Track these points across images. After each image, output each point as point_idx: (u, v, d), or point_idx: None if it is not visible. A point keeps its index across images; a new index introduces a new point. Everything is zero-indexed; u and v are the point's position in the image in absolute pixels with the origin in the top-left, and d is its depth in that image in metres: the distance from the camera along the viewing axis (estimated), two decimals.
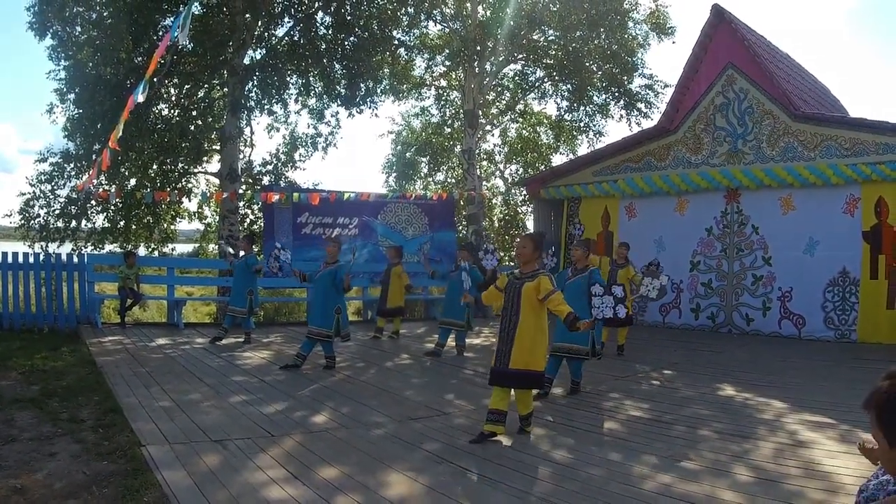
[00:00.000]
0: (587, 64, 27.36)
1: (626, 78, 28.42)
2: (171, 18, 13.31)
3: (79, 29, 23.27)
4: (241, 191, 24.67)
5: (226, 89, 25.08)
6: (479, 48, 25.92)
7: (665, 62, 75.72)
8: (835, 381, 11.97)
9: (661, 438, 8.26)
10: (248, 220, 27.62)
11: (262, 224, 24.61)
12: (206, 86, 25.95)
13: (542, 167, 34.32)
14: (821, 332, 17.78)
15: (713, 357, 15.10)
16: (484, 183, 35.78)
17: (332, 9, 24.51)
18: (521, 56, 28.80)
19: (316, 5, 24.73)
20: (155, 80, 21.13)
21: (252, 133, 27.75)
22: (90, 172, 18.03)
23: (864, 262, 17.31)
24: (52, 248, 23.10)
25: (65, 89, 23.41)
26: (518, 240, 9.08)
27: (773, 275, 18.88)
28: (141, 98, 13.62)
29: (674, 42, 44.21)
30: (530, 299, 8.20)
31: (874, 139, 17.18)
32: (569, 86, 29.68)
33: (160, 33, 22.07)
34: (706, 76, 20.53)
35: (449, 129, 36.20)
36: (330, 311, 12.86)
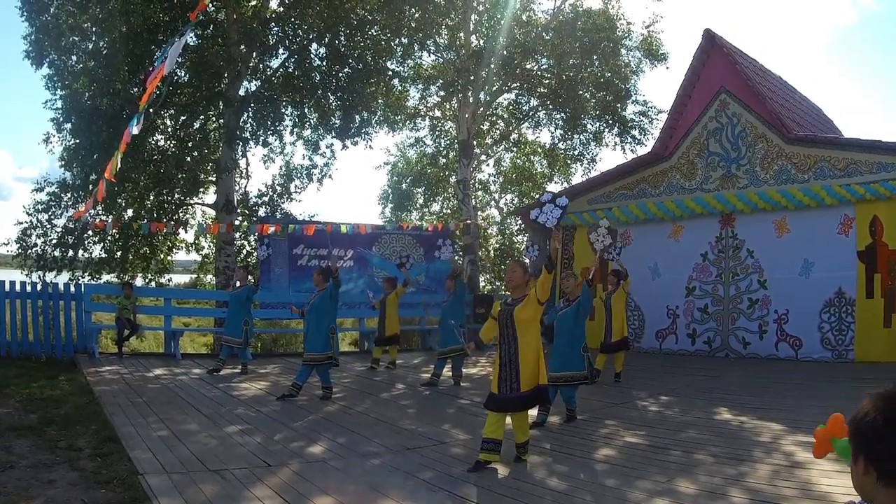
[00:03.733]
0: (581, 92, 27.47)
1: (619, 105, 28.61)
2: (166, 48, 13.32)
3: (75, 58, 23.48)
4: (237, 222, 24.69)
5: (221, 120, 25.21)
6: (472, 78, 26.04)
7: (659, 89, 76.00)
8: (831, 401, 11.90)
9: (657, 464, 8.25)
10: (244, 252, 27.67)
11: (258, 256, 24.70)
12: (201, 117, 26.01)
13: (537, 196, 34.35)
14: (818, 352, 17.75)
15: (710, 382, 15.09)
16: (479, 213, 35.88)
17: (327, 40, 24.69)
18: (514, 85, 28.95)
19: (310, 37, 24.87)
20: (150, 110, 21.23)
21: (248, 164, 27.89)
22: (86, 202, 18.07)
23: (860, 281, 17.31)
24: (50, 277, 23.15)
25: (61, 119, 23.56)
26: (508, 265, 9.14)
27: (769, 298, 18.89)
28: (136, 130, 13.67)
29: (667, 68, 44.40)
30: (524, 321, 8.29)
31: (867, 158, 17.29)
32: (563, 114, 29.82)
33: (156, 64, 22.24)
34: (699, 101, 20.65)
35: (444, 160, 36.38)
36: (325, 335, 12.88)
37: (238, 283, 16.76)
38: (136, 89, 22.07)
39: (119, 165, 14.69)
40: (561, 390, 11.06)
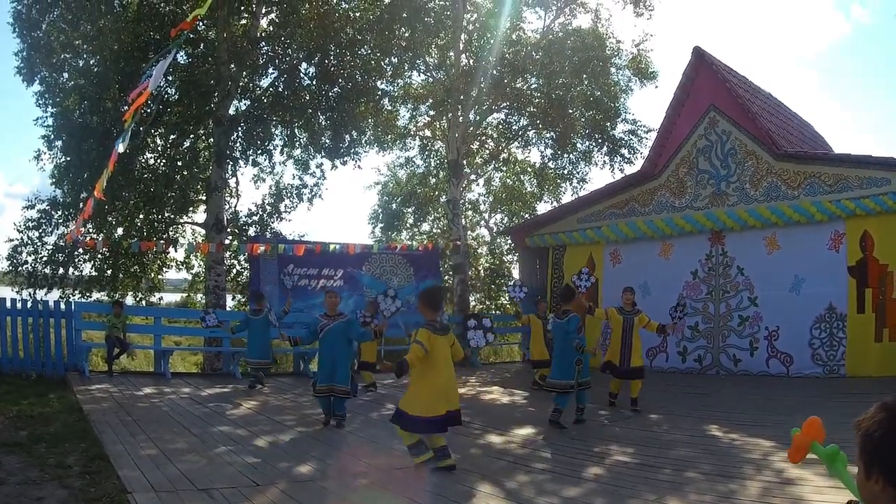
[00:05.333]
0: (570, 111, 27.48)
1: (609, 124, 28.78)
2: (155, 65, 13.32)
3: (66, 76, 23.48)
4: (227, 241, 24.68)
5: (211, 140, 25.22)
6: (462, 97, 26.10)
7: (648, 107, 76.33)
8: (823, 417, 11.89)
9: (647, 482, 8.23)
10: (234, 271, 27.68)
11: (247, 275, 24.70)
12: (191, 136, 26.05)
13: (527, 216, 34.45)
14: (809, 368, 17.76)
15: (700, 399, 15.11)
16: (469, 232, 35.94)
17: (316, 60, 24.78)
18: (504, 104, 28.97)
19: (300, 56, 24.94)
20: (141, 129, 21.24)
21: (238, 183, 27.87)
22: (76, 221, 18.08)
23: (851, 296, 17.35)
24: (40, 294, 23.09)
25: (52, 136, 23.56)
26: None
27: (760, 315, 18.93)
28: (121, 148, 13.66)
29: (656, 86, 44.44)
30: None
31: (857, 174, 17.37)
32: (552, 133, 29.85)
33: (142, 80, 22.27)
34: (688, 119, 20.75)
35: (434, 180, 36.40)
36: (346, 367, 12.51)
37: (256, 307, 17.08)
38: (125, 107, 22.13)
39: (106, 184, 14.69)
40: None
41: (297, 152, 27.87)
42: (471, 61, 27.51)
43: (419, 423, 8.76)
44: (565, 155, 31.58)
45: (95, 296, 24.93)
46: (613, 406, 14.21)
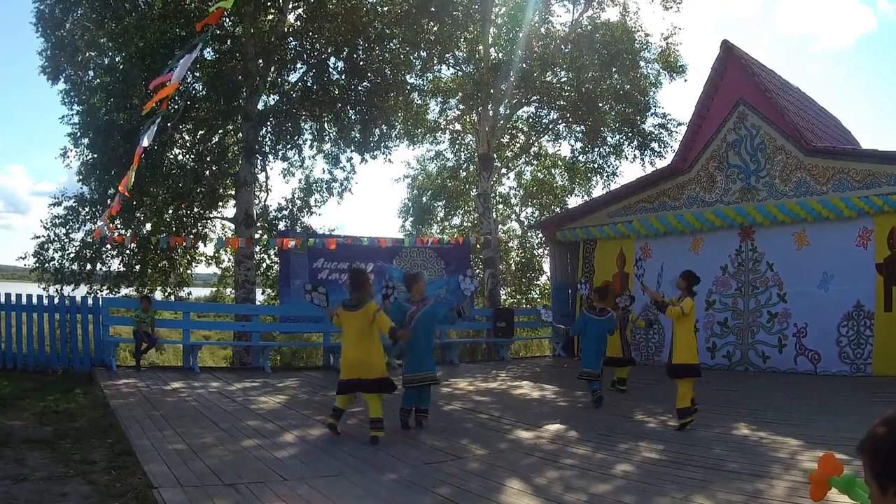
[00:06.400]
0: (600, 104, 27.43)
1: (639, 118, 28.53)
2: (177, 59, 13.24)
3: (91, 73, 23.53)
4: (257, 236, 24.69)
5: (240, 135, 25.24)
6: (492, 91, 26.00)
7: (678, 101, 76.10)
8: (849, 417, 11.80)
9: (675, 479, 8.13)
10: (263, 265, 27.70)
11: (277, 270, 24.69)
12: (220, 131, 26.01)
13: (558, 209, 34.36)
14: (836, 367, 17.55)
15: (728, 396, 14.92)
16: (500, 226, 35.82)
17: (345, 54, 24.69)
18: (534, 98, 28.89)
19: (328, 51, 24.87)
20: (168, 125, 21.26)
21: (267, 178, 27.84)
22: (103, 218, 18.08)
23: (879, 294, 17.08)
24: (67, 290, 23.15)
25: (78, 134, 23.58)
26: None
27: (789, 311, 18.74)
28: (146, 142, 13.63)
29: (685, 80, 44.32)
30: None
31: (885, 170, 17.15)
32: (582, 127, 29.79)
33: (165, 72, 22.29)
34: (718, 113, 20.57)
35: (464, 173, 36.37)
36: (431, 353, 12.11)
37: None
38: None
39: (133, 180, 14.68)
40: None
41: (327, 146, 27.81)
42: (500, 55, 27.42)
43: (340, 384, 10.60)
44: (595, 149, 31.45)
45: (124, 291, 24.97)
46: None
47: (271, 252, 26.66)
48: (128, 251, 24.56)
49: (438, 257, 24.42)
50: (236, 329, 22.57)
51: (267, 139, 25.68)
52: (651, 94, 28.94)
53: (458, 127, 32.80)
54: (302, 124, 26.18)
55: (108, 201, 19.61)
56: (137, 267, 25.12)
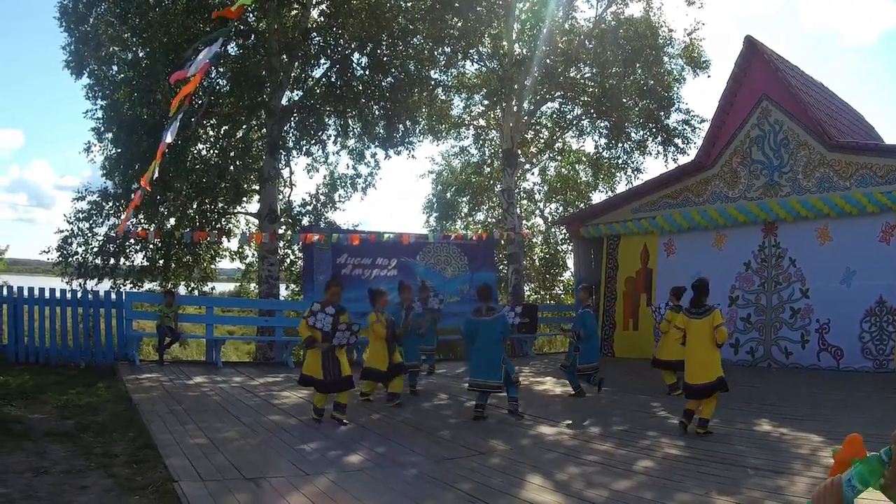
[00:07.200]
0: (624, 100, 27.36)
1: (663, 113, 28.42)
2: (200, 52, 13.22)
3: (115, 68, 23.57)
4: (280, 231, 24.72)
5: (264, 130, 25.30)
6: (516, 86, 25.94)
7: (701, 97, 75.63)
8: (872, 413, 11.75)
9: (696, 476, 8.08)
10: (287, 261, 27.76)
11: (301, 265, 24.72)
12: (244, 127, 26.05)
13: (582, 205, 34.33)
14: (859, 363, 17.43)
15: (751, 392, 14.78)
16: (524, 222, 35.75)
17: (369, 50, 24.64)
18: (558, 94, 28.82)
19: (352, 46, 24.85)
20: (192, 120, 21.30)
21: (291, 174, 27.85)
22: (126, 212, 18.15)
23: None
24: (91, 285, 23.31)
25: (102, 128, 23.68)
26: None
27: (811, 307, 18.62)
28: (169, 138, 13.66)
29: (709, 76, 44.14)
30: None
31: None
32: (606, 122, 29.72)
33: (185, 66, 22.38)
34: (741, 109, 20.47)
35: (488, 169, 36.33)
36: (498, 363, 12.03)
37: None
38: (173, 97, 22.20)
39: (156, 174, 14.71)
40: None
41: (351, 142, 27.81)
42: (523, 50, 27.36)
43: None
44: (620, 144, 31.35)
45: (147, 286, 25.05)
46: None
47: (295, 247, 26.71)
48: (151, 246, 24.66)
49: (462, 253, 24.38)
50: (260, 324, 22.60)
51: (291, 135, 25.72)
52: (675, 89, 28.78)
53: (482, 123, 32.77)
54: (326, 120, 26.22)
55: (132, 196, 19.67)
56: (161, 262, 25.20)
